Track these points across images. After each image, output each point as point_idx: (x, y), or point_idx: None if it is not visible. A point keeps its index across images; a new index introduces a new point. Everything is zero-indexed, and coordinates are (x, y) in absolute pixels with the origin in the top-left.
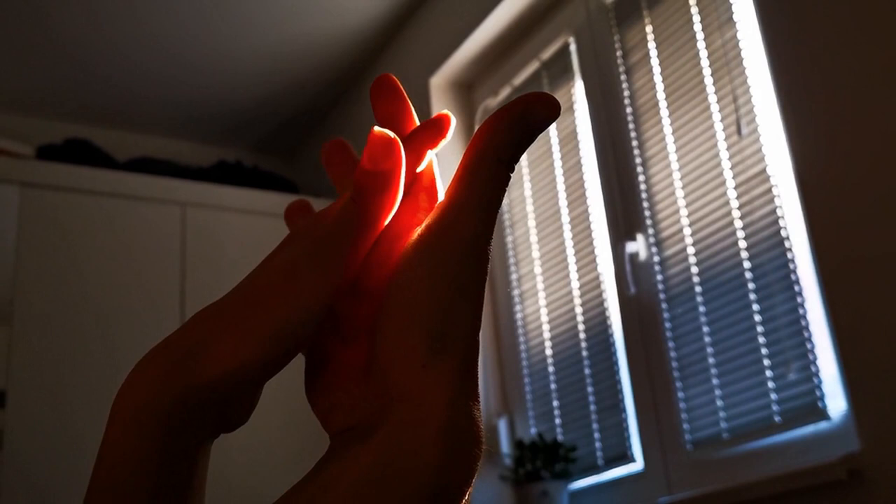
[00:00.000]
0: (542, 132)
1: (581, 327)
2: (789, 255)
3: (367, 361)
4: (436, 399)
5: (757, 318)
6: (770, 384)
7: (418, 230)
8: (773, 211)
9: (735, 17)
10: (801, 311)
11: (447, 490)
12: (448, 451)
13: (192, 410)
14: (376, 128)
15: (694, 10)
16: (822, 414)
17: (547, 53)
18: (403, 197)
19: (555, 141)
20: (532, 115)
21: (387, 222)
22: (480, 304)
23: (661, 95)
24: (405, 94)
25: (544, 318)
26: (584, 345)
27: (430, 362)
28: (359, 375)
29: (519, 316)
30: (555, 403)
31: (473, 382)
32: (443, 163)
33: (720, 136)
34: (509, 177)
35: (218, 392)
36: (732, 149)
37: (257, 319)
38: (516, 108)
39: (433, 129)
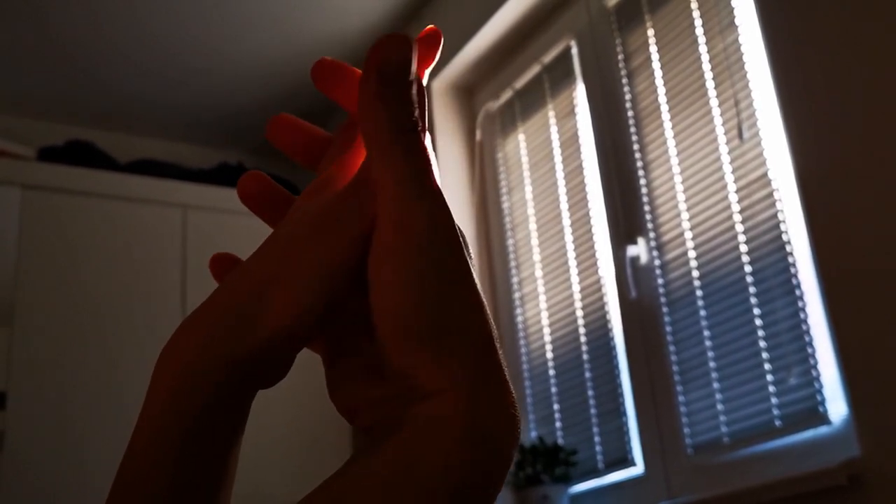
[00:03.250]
0: (411, 70)
1: (582, 331)
2: (790, 259)
3: (383, 361)
4: (457, 394)
5: (758, 322)
6: (771, 388)
7: (376, 233)
8: (774, 215)
9: (736, 22)
10: (801, 316)
11: (475, 487)
12: (474, 447)
13: (245, 368)
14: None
15: (696, 14)
16: (823, 419)
17: (548, 57)
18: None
19: (556, 144)
20: (390, 66)
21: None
22: (470, 284)
23: (662, 99)
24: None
25: (545, 322)
26: (584, 348)
27: (442, 359)
28: (380, 372)
29: (520, 319)
30: (555, 407)
31: (495, 366)
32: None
33: (721, 139)
34: (422, 136)
35: (271, 352)
36: (734, 153)
37: (306, 264)
38: (374, 76)
39: (428, 48)
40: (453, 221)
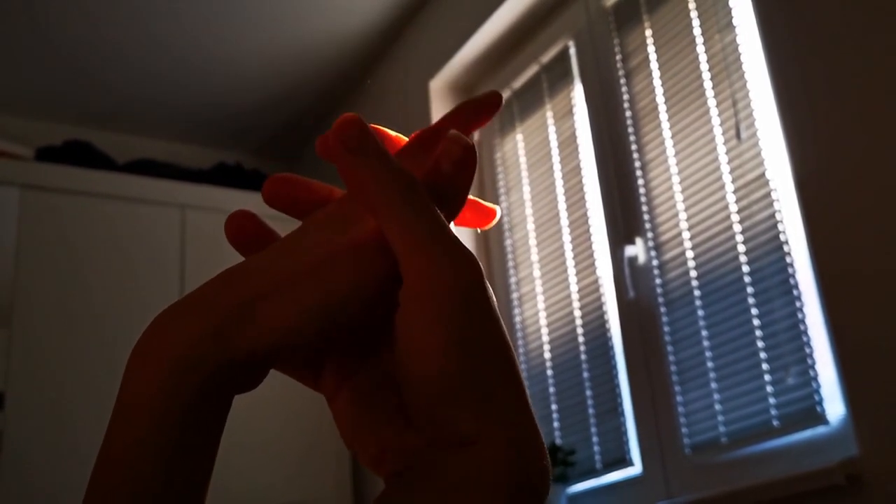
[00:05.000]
0: (372, 135)
1: (580, 331)
2: (788, 260)
3: (414, 413)
4: (499, 444)
5: (756, 322)
6: (769, 388)
7: (403, 294)
8: (772, 215)
9: (734, 22)
10: (799, 316)
11: None
12: (512, 497)
13: (229, 372)
14: (453, 131)
15: (693, 14)
16: (821, 418)
17: (547, 57)
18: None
19: (554, 144)
20: (353, 137)
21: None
22: (503, 337)
23: (660, 99)
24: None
25: (543, 322)
26: (582, 348)
27: (480, 417)
28: (406, 419)
29: (517, 319)
30: (553, 407)
31: (529, 416)
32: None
33: (719, 140)
34: (415, 185)
35: (258, 358)
36: (731, 153)
37: (312, 288)
38: (342, 152)
39: (484, 107)
40: (480, 273)
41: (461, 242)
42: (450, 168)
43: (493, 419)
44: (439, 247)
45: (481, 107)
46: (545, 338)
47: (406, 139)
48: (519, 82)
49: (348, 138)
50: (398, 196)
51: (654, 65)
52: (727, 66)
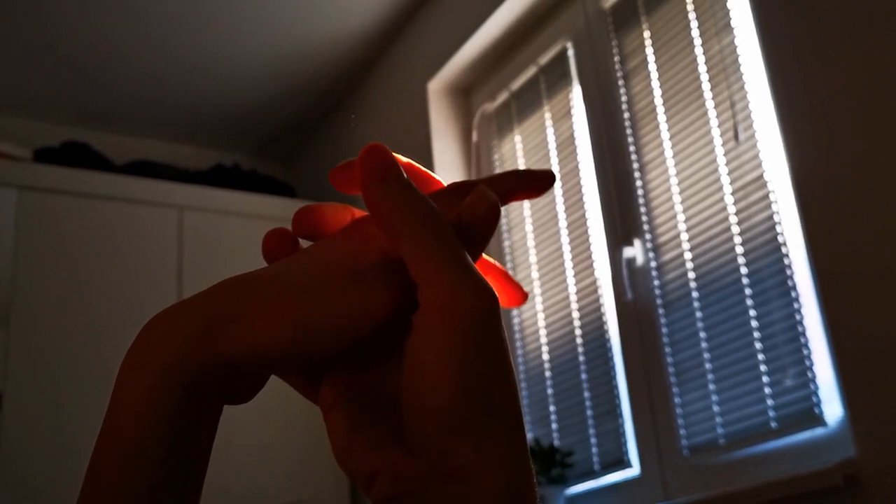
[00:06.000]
0: (399, 167)
1: (578, 332)
2: (786, 261)
3: (409, 442)
4: (494, 483)
5: (754, 323)
6: (767, 390)
7: (419, 320)
8: (770, 217)
9: (733, 23)
10: (797, 317)
11: None
12: None
13: (211, 379)
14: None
15: (692, 15)
16: (819, 420)
17: (545, 58)
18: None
19: (552, 146)
20: (379, 167)
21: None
22: (511, 371)
23: (658, 101)
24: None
25: (541, 323)
26: (580, 350)
27: (480, 449)
28: (402, 442)
29: (516, 321)
30: (551, 408)
31: (524, 449)
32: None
33: (717, 141)
34: (437, 214)
35: (237, 367)
36: (729, 154)
37: (299, 310)
38: (370, 182)
39: (538, 183)
40: (497, 303)
41: (479, 272)
42: (471, 219)
43: (491, 455)
44: (458, 273)
45: (534, 181)
46: (543, 339)
47: (440, 181)
48: (517, 83)
49: (374, 167)
50: (421, 223)
51: (652, 66)
52: (725, 67)
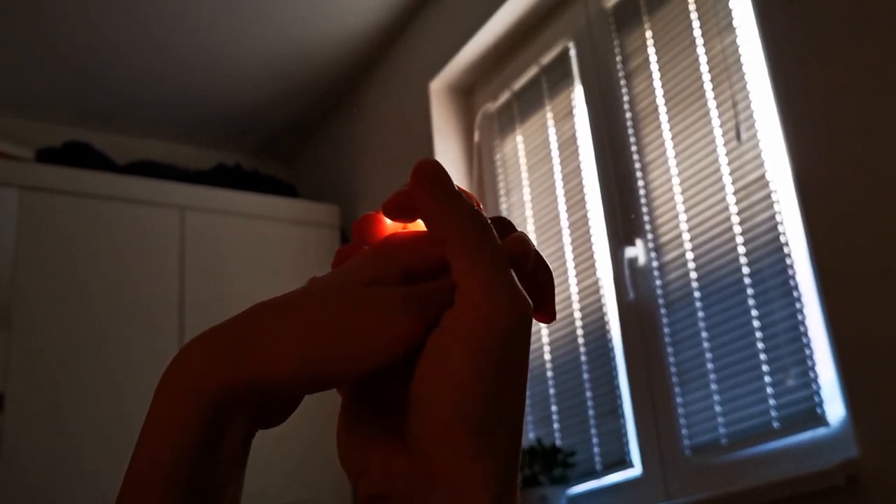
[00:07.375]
0: (450, 177)
1: (580, 332)
2: (788, 261)
3: (408, 438)
4: (482, 493)
5: (756, 323)
6: (769, 390)
7: (452, 316)
8: (772, 216)
9: (735, 23)
10: (799, 317)
11: None
12: None
13: (237, 401)
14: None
15: (694, 15)
16: (821, 420)
17: (547, 58)
18: None
19: (554, 145)
20: (434, 172)
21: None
22: (524, 380)
23: (660, 101)
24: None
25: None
26: (582, 350)
27: (478, 455)
28: (400, 446)
29: None
30: (553, 408)
31: (516, 474)
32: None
33: (719, 141)
34: (490, 226)
35: (259, 391)
36: (731, 154)
37: (320, 341)
38: (426, 183)
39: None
40: (530, 312)
41: (517, 281)
42: (513, 253)
43: (487, 464)
44: (498, 277)
45: (542, 297)
46: (545, 339)
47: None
48: (519, 83)
49: (428, 173)
50: (469, 224)
51: (654, 66)
52: (727, 67)
